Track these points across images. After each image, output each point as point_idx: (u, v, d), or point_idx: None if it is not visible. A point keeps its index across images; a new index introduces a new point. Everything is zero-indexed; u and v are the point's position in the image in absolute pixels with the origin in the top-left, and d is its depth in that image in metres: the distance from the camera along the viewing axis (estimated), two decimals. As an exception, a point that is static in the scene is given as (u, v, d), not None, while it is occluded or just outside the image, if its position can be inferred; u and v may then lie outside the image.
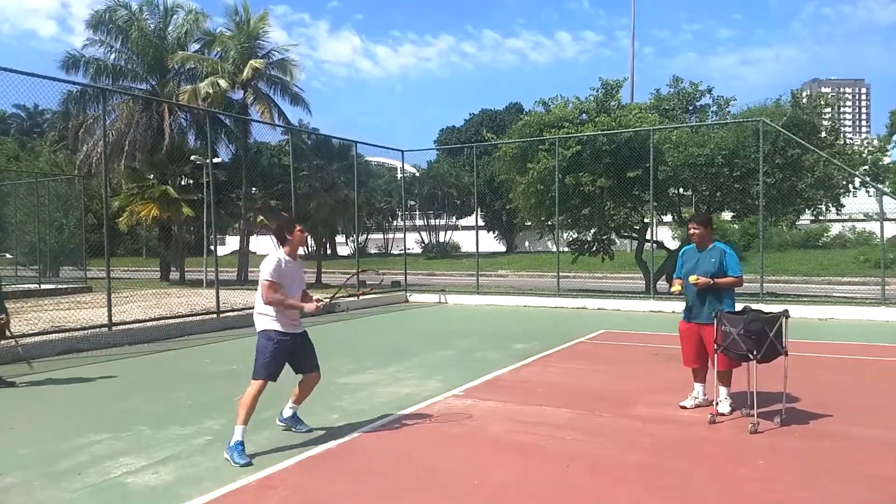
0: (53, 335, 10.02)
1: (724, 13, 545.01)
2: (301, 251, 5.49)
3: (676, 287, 6.02)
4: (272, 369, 5.04)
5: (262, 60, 25.15)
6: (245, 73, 24.40)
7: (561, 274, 16.96)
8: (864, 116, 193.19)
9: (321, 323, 12.76)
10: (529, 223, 19.76)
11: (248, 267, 27.12)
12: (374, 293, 15.39)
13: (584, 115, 18.16)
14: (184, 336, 11.26)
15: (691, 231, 6.01)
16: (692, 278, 5.79)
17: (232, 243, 46.19)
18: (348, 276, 6.47)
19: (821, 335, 10.66)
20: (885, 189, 17.47)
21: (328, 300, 5.56)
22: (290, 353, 5.18)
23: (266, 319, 5.12)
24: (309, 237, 44.41)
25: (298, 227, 5.27)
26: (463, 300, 17.20)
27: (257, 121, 24.81)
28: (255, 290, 5.28)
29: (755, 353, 5.30)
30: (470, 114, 54.80)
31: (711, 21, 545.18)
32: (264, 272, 5.06)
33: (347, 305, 15.01)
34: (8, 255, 29.25)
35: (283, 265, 5.14)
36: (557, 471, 4.58)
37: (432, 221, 51.68)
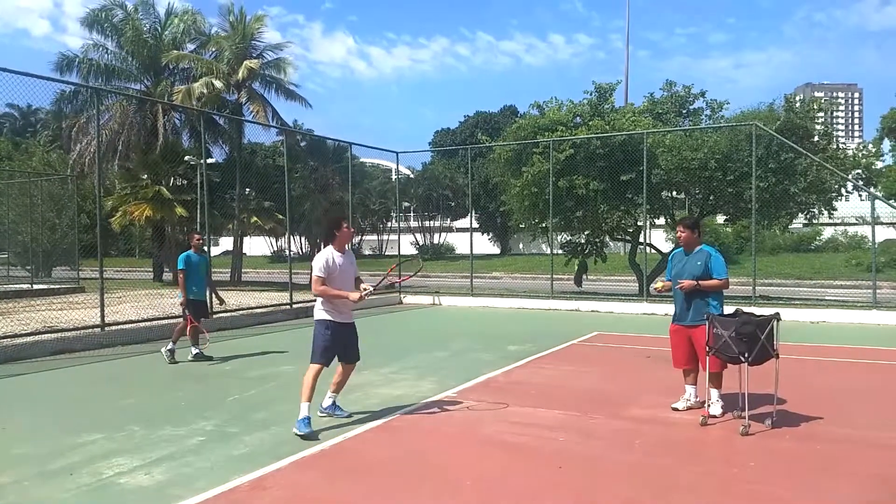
0: (46, 335, 10.00)
1: (718, 17, 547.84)
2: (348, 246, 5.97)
3: (659, 284, 6.24)
4: (328, 355, 5.63)
5: (256, 61, 25.10)
6: (240, 74, 24.36)
7: (555, 276, 16.99)
8: (856, 121, 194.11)
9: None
10: (523, 225, 19.78)
11: (241, 268, 27.05)
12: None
13: (577, 118, 18.21)
14: (177, 337, 11.23)
15: (678, 233, 6.19)
16: (678, 284, 5.94)
17: (225, 244, 46.03)
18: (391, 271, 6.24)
19: (812, 338, 10.71)
20: (877, 193, 17.58)
21: (373, 289, 5.81)
22: (340, 342, 5.66)
23: (320, 311, 5.67)
24: (303, 238, 44.59)
25: (345, 224, 5.75)
26: (457, 302, 17.21)
27: (251, 121, 24.76)
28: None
29: (747, 355, 5.34)
30: (465, 116, 54.78)
31: (705, 24, 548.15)
32: (314, 268, 5.56)
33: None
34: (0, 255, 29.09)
35: (332, 261, 5.61)
36: (550, 471, 4.60)
37: (427, 223, 51.70)
